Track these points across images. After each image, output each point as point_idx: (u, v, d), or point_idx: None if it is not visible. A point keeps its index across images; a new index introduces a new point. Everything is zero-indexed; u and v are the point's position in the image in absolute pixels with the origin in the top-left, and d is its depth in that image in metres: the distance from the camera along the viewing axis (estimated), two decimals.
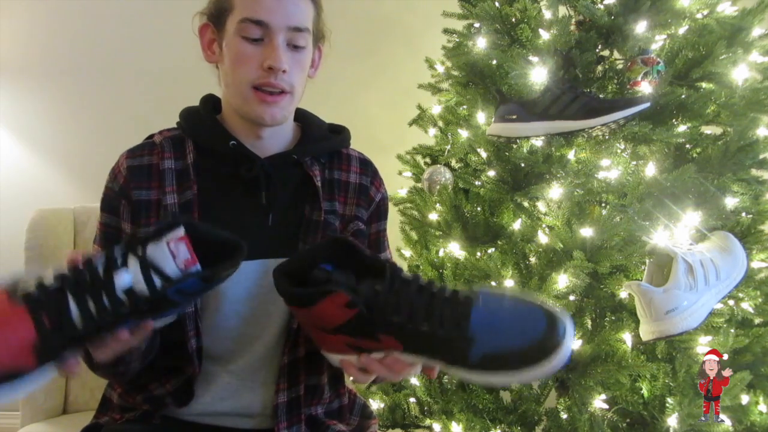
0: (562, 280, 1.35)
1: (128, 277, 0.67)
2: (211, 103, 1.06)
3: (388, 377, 0.79)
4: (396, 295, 0.71)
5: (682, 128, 1.44)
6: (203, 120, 1.02)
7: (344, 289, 0.70)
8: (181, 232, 0.69)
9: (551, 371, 0.69)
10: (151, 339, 0.90)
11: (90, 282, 0.66)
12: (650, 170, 1.42)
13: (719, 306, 1.37)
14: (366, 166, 1.09)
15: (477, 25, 1.68)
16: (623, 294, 1.40)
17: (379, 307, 0.70)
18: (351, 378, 0.82)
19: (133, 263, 0.67)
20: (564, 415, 1.39)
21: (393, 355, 0.76)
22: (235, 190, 0.99)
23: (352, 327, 0.73)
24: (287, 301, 0.77)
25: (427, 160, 1.80)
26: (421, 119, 1.87)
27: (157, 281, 0.67)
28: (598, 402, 1.37)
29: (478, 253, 1.53)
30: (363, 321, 0.72)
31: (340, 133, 1.09)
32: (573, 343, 0.70)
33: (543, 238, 1.44)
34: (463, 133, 1.64)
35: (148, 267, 0.67)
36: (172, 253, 0.68)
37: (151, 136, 1.04)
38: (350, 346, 0.76)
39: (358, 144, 1.13)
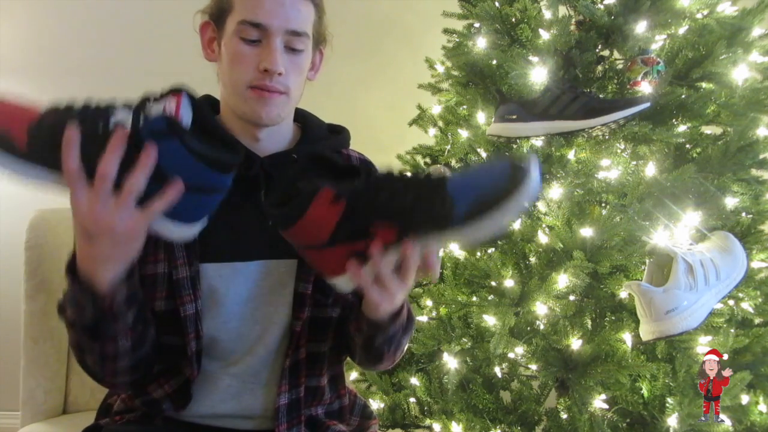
0: (562, 280, 1.35)
1: (119, 114, 0.75)
2: (209, 104, 1.06)
3: (400, 284, 0.80)
4: (375, 186, 0.76)
5: (682, 128, 1.44)
6: None
7: (327, 185, 0.75)
8: (177, 92, 0.77)
9: (529, 198, 0.75)
10: (143, 324, 0.88)
11: (94, 108, 0.76)
12: (650, 170, 1.42)
13: (719, 306, 1.37)
14: (366, 166, 1.09)
15: (477, 25, 1.68)
16: (623, 294, 1.40)
17: (363, 196, 0.75)
18: (379, 305, 0.83)
19: (125, 110, 0.76)
20: (564, 415, 1.39)
21: (392, 251, 0.78)
22: (235, 189, 0.98)
23: (344, 228, 0.76)
24: (281, 224, 0.80)
25: (427, 160, 1.80)
26: (421, 119, 1.87)
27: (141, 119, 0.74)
28: (598, 402, 1.37)
29: (478, 253, 1.54)
30: (352, 214, 0.76)
31: (339, 134, 1.09)
32: (538, 174, 0.76)
33: (543, 238, 1.44)
34: (463, 133, 1.64)
35: (141, 108, 0.75)
36: (164, 108, 0.75)
37: None
38: (351, 256, 0.79)
39: (358, 144, 1.13)
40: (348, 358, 1.09)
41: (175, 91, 0.77)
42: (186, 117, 0.76)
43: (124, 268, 0.79)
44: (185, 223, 0.79)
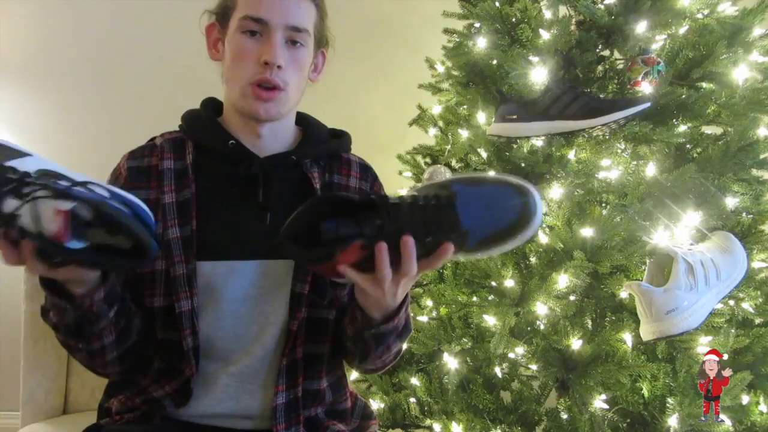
0: (563, 280, 1.35)
1: (12, 204, 0.70)
2: (211, 105, 1.08)
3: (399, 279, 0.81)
4: (395, 221, 0.78)
5: (682, 128, 1.44)
6: (203, 121, 1.04)
7: (356, 237, 0.78)
8: (67, 206, 0.70)
9: (533, 233, 0.82)
10: (126, 318, 0.90)
11: None
12: (651, 170, 1.42)
13: (719, 306, 1.37)
14: (366, 171, 1.10)
15: (477, 25, 1.68)
16: (624, 294, 1.40)
17: (387, 237, 0.78)
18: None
19: (21, 201, 0.70)
20: (564, 416, 1.39)
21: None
22: (234, 189, 0.99)
23: (364, 264, 0.80)
24: (305, 263, 0.84)
25: (428, 160, 1.80)
26: (422, 119, 1.87)
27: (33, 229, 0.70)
28: (599, 402, 1.37)
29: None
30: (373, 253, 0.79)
31: (340, 138, 1.10)
32: (542, 207, 0.85)
33: (543, 238, 1.44)
34: (464, 133, 1.64)
35: (30, 212, 0.70)
36: (50, 218, 0.70)
37: (153, 139, 1.06)
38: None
39: (358, 144, 1.13)
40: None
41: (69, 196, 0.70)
42: (77, 234, 0.71)
43: (97, 273, 0.81)
44: None
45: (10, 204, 0.70)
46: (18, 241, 0.73)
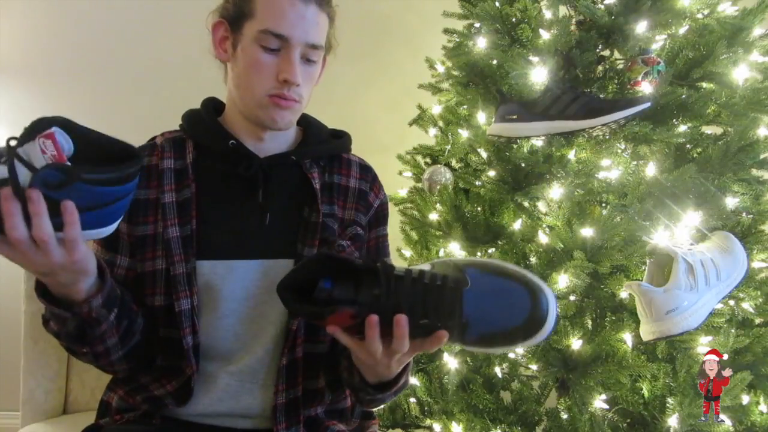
0: (563, 280, 1.35)
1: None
2: (212, 105, 1.07)
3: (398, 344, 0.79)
4: (394, 295, 0.74)
5: (682, 128, 1.43)
6: (204, 121, 1.04)
7: (347, 305, 0.75)
8: (49, 129, 0.71)
9: (541, 340, 0.77)
10: (128, 318, 0.90)
11: None
12: (651, 170, 1.42)
13: (720, 306, 1.37)
14: (366, 171, 1.10)
15: (477, 25, 1.68)
16: (624, 294, 1.40)
17: (381, 311, 0.74)
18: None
19: (2, 165, 0.69)
20: (564, 416, 1.39)
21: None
22: (234, 189, 0.99)
23: (357, 329, 0.77)
24: (293, 312, 0.82)
25: (428, 160, 1.80)
26: (422, 119, 1.86)
27: (24, 171, 0.69)
28: (599, 402, 1.37)
29: (479, 253, 1.53)
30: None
31: (340, 138, 1.10)
32: (556, 312, 0.77)
33: (543, 238, 1.44)
34: (464, 133, 1.64)
35: (14, 158, 0.69)
36: (42, 150, 0.70)
37: (153, 138, 1.06)
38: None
39: (358, 144, 1.13)
40: None
41: (41, 127, 0.71)
42: (67, 148, 0.73)
43: (93, 279, 0.81)
44: (107, 226, 0.77)
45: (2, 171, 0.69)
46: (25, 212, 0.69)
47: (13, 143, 0.71)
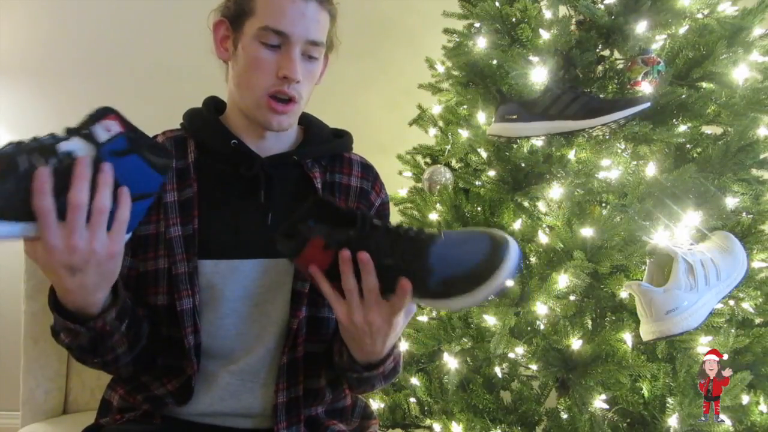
0: (563, 280, 1.35)
1: (69, 144, 0.73)
2: (213, 104, 1.08)
3: (382, 318, 0.81)
4: (366, 237, 0.78)
5: (682, 128, 1.44)
6: (205, 120, 1.04)
7: (319, 233, 0.79)
8: (111, 113, 0.76)
9: (499, 287, 0.77)
10: (136, 325, 0.90)
11: (35, 145, 0.73)
12: (651, 170, 1.42)
13: (719, 306, 1.37)
14: (367, 170, 1.10)
15: (477, 25, 1.68)
16: (624, 294, 1.40)
17: (352, 248, 0.78)
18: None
19: (74, 138, 0.74)
20: (564, 415, 1.39)
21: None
22: (235, 189, 0.99)
23: (335, 272, 0.80)
24: (286, 254, 0.84)
25: (428, 160, 1.80)
26: (422, 119, 1.87)
27: (89, 146, 0.74)
28: (599, 402, 1.37)
29: None
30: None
31: (342, 137, 1.10)
32: (518, 261, 0.78)
33: (543, 238, 1.44)
34: (464, 133, 1.64)
35: (83, 135, 0.74)
36: (107, 129, 0.75)
37: (154, 137, 1.05)
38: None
39: (358, 144, 1.13)
40: None
41: (104, 113, 0.76)
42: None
43: (110, 288, 0.81)
44: (129, 232, 0.79)
45: (67, 143, 0.73)
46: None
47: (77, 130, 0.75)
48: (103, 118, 0.75)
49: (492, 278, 0.76)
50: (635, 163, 1.47)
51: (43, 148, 0.72)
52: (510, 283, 1.42)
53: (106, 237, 0.73)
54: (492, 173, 1.54)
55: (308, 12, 0.93)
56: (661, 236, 1.34)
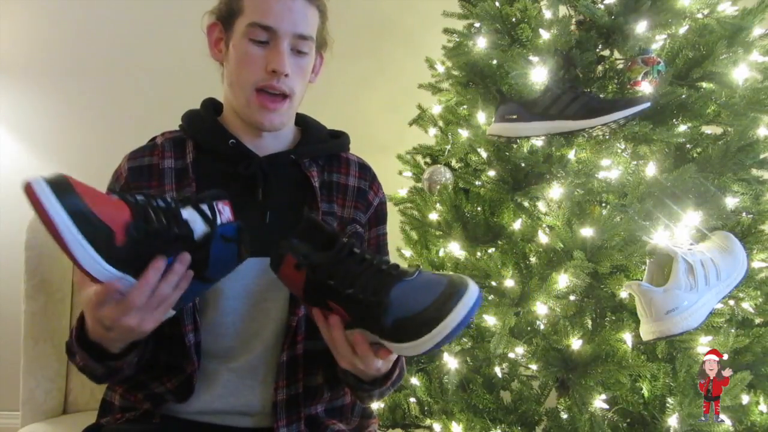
0: (563, 280, 1.35)
1: (186, 213, 0.78)
2: (211, 105, 1.09)
3: (359, 360, 0.81)
4: (338, 262, 0.78)
5: (682, 128, 1.43)
6: (204, 121, 1.05)
7: (292, 252, 0.80)
8: (226, 198, 0.82)
9: (448, 336, 0.71)
10: (145, 347, 0.91)
11: (163, 206, 0.77)
12: (651, 170, 1.42)
13: (720, 306, 1.37)
14: (365, 170, 1.11)
15: (477, 25, 1.67)
16: (623, 294, 1.40)
17: (320, 272, 0.78)
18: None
19: (187, 210, 0.79)
20: (564, 415, 1.39)
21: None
22: (234, 188, 1.00)
23: (309, 294, 0.80)
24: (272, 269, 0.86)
25: (428, 160, 1.80)
26: (422, 119, 1.86)
27: (205, 225, 0.79)
28: (599, 402, 1.37)
29: (479, 253, 1.53)
30: (312, 285, 0.79)
31: (339, 138, 1.11)
32: (473, 309, 0.72)
33: (543, 238, 1.44)
34: (464, 133, 1.64)
35: (199, 211, 0.79)
36: (219, 212, 0.80)
37: (153, 138, 1.06)
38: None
39: (358, 144, 1.14)
40: None
41: (219, 195, 0.82)
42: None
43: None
44: (175, 310, 0.83)
45: (184, 211, 0.78)
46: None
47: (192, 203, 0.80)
48: (219, 200, 0.80)
49: (439, 326, 0.71)
50: (635, 163, 1.47)
51: (168, 211, 0.77)
52: (510, 283, 1.42)
53: (151, 316, 0.78)
54: (492, 173, 1.54)
55: (295, 6, 0.95)
56: (661, 236, 1.34)
